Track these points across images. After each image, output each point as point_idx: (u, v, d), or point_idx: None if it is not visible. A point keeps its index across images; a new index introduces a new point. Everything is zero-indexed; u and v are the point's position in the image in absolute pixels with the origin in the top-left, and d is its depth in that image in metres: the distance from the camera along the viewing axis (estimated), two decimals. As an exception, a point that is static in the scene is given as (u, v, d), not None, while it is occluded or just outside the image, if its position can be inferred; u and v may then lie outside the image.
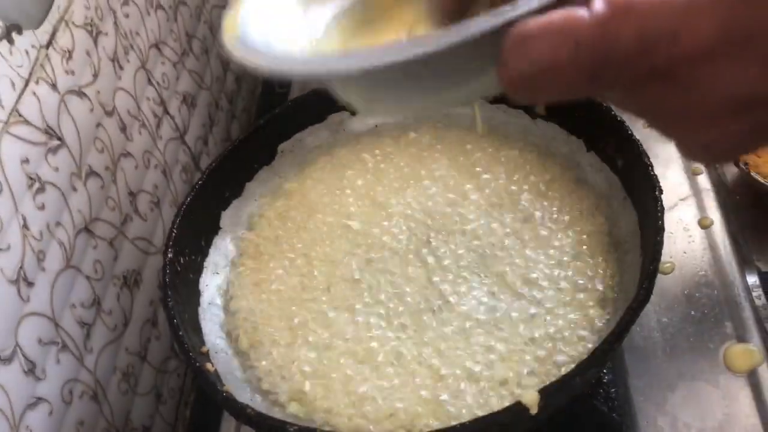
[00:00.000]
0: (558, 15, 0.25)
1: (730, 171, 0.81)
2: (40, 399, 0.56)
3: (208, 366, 0.51)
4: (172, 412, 0.78)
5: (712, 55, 0.24)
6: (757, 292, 0.61)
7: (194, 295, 0.58)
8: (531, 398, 0.42)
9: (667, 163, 0.70)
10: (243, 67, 0.34)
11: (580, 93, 0.27)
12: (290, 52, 0.36)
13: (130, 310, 0.71)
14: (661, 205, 0.49)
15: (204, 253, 0.61)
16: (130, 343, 0.71)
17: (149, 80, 0.81)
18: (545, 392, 0.42)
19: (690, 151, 0.29)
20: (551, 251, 0.56)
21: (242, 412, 0.45)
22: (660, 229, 0.48)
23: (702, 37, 0.23)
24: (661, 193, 0.50)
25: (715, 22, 0.23)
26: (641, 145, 0.53)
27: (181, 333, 0.50)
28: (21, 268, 0.56)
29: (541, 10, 0.26)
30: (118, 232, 0.70)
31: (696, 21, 0.23)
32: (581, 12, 0.25)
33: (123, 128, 0.74)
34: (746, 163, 0.76)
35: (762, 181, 0.75)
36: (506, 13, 0.26)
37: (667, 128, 0.28)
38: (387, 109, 0.47)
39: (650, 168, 0.51)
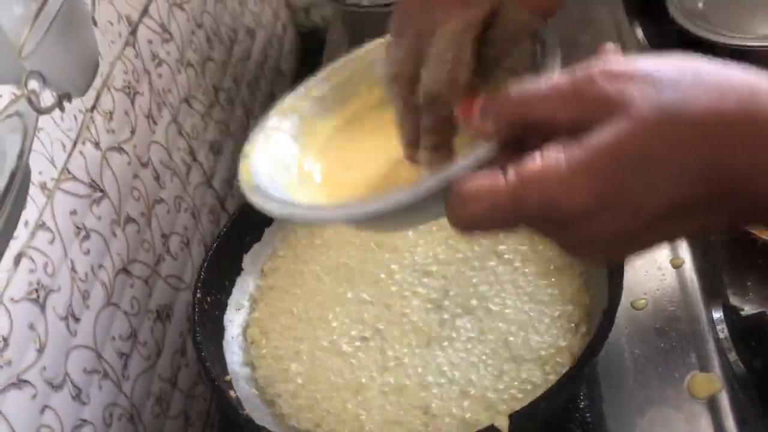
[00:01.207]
0: (484, 183, 0.35)
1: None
2: (84, 421, 0.65)
3: (231, 393, 0.59)
4: (199, 435, 0.86)
5: (587, 214, 0.33)
6: (721, 326, 0.67)
7: (219, 329, 0.66)
8: (502, 422, 0.49)
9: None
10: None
11: (512, 229, 0.38)
12: (293, 197, 0.47)
13: (162, 341, 0.79)
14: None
15: (228, 293, 0.69)
16: (162, 370, 0.79)
17: (180, 132, 0.90)
18: (514, 417, 0.49)
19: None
20: (524, 286, 0.64)
21: (259, 433, 0.53)
22: (620, 274, 0.55)
23: (578, 204, 0.33)
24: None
25: (587, 192, 0.33)
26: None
27: (207, 364, 0.58)
28: (70, 305, 0.64)
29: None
30: (152, 271, 0.79)
31: (572, 193, 0.33)
32: (500, 180, 0.34)
33: (157, 177, 0.82)
34: (722, 205, 0.83)
35: (735, 221, 0.81)
36: (447, 174, 0.37)
37: (573, 251, 0.38)
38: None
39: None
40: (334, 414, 0.58)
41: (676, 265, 0.72)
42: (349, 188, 0.49)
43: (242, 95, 1.11)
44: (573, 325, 0.60)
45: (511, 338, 0.60)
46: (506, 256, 0.66)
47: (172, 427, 0.80)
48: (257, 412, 0.59)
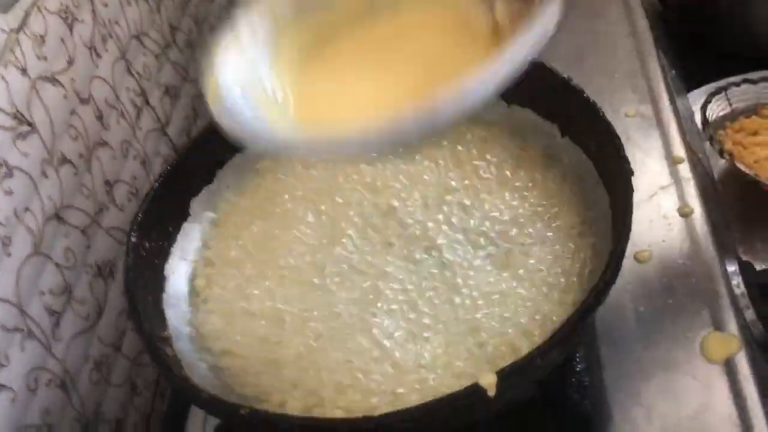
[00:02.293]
0: None
1: (717, 163, 0.80)
2: (2, 386, 0.55)
3: (168, 350, 0.50)
4: (147, 404, 0.77)
5: None
6: (736, 281, 0.59)
7: (159, 279, 0.57)
8: (488, 380, 0.40)
9: (648, 152, 0.69)
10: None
11: None
12: (266, 118, 0.41)
13: (103, 300, 0.70)
14: (631, 187, 0.48)
15: (171, 240, 0.60)
16: (103, 333, 0.70)
17: (128, 70, 0.80)
18: (502, 374, 0.41)
19: None
20: (524, 238, 0.55)
21: (196, 396, 0.44)
22: (628, 208, 0.47)
23: None
24: (632, 174, 0.49)
25: None
26: (611, 125, 0.52)
27: (139, 316, 0.49)
28: (-16, 252, 0.55)
29: None
30: (92, 221, 0.69)
31: None
32: None
33: (99, 117, 0.73)
34: (731, 153, 0.75)
35: (746, 170, 0.73)
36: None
37: None
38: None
39: (620, 149, 0.50)
40: (287, 378, 0.49)
41: (685, 213, 0.63)
42: (329, 109, 0.42)
43: (204, 38, 1.01)
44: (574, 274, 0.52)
45: (497, 291, 0.52)
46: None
47: (114, 395, 0.71)
48: (199, 374, 0.50)
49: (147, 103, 0.84)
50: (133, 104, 0.80)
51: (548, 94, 0.58)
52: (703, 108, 0.80)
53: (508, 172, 0.60)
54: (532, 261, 0.53)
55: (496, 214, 0.56)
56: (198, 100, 0.97)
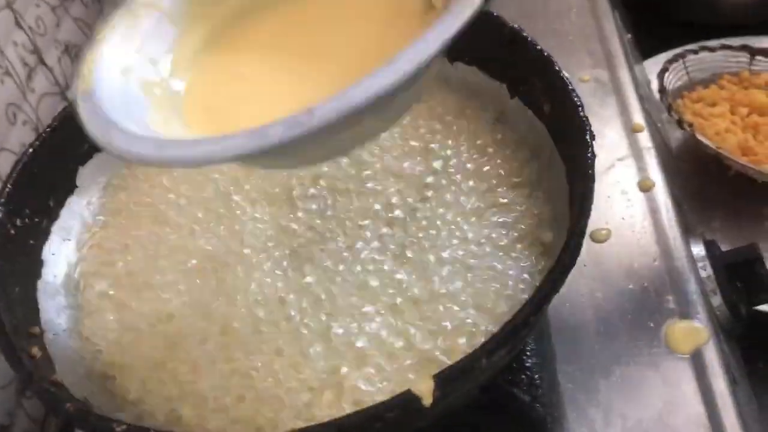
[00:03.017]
0: None
1: (674, 135, 0.74)
2: None
3: (34, 350, 0.40)
4: (39, 407, 0.67)
5: None
6: (702, 263, 0.53)
7: (34, 264, 0.47)
8: (424, 386, 0.33)
9: (606, 121, 0.62)
10: None
11: None
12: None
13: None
14: (592, 153, 0.41)
15: (52, 216, 0.50)
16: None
17: (17, 23, 0.70)
18: (442, 378, 0.33)
19: None
20: (469, 216, 0.48)
21: (58, 407, 0.35)
22: (588, 178, 0.39)
23: None
24: (593, 139, 0.42)
25: None
26: (570, 82, 0.44)
27: (-2, 307, 0.39)
28: None
29: None
30: (-32, 195, 0.59)
31: None
32: None
33: (-23, 74, 0.62)
34: (691, 125, 0.69)
35: (708, 143, 0.68)
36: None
37: None
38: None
39: (579, 108, 0.43)
40: (180, 386, 0.41)
41: (646, 187, 0.57)
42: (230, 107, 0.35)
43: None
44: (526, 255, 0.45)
45: (436, 277, 0.44)
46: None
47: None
48: (77, 380, 0.41)
49: (42, 62, 0.73)
50: (23, 62, 0.70)
51: (495, 48, 0.51)
52: (660, 76, 0.73)
53: (450, 141, 0.52)
54: (475, 245, 0.45)
55: (434, 193, 0.49)
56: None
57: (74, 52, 0.79)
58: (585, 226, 0.38)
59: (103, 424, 0.34)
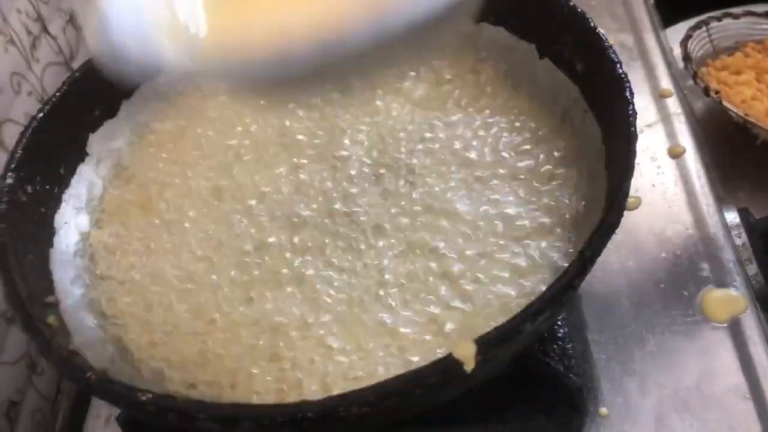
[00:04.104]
0: None
1: (696, 105, 0.72)
2: None
3: (51, 319, 0.39)
4: (51, 385, 0.66)
5: None
6: (737, 231, 0.51)
7: (46, 232, 0.45)
8: (465, 351, 0.31)
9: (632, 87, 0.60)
10: None
11: None
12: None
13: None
14: (633, 110, 0.39)
15: (64, 184, 0.48)
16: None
17: (21, -11, 0.67)
18: (484, 343, 0.31)
19: None
20: (497, 181, 0.46)
21: (80, 377, 0.33)
22: (631, 137, 0.37)
23: None
24: (632, 96, 0.40)
25: None
26: (606, 39, 0.42)
27: (12, 275, 0.37)
28: None
29: None
30: (-27, 166, 0.57)
31: None
32: None
33: (-20, 41, 0.60)
34: (717, 92, 0.67)
35: (735, 110, 0.66)
36: None
37: None
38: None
39: (618, 65, 0.41)
40: (199, 354, 0.39)
41: (676, 154, 0.55)
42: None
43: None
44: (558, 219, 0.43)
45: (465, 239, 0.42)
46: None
47: (6, 375, 0.59)
48: (94, 349, 0.39)
49: (45, 31, 0.71)
50: (27, 30, 0.68)
51: (523, 7, 0.49)
52: (683, 43, 0.71)
53: (475, 104, 0.50)
54: (511, 208, 0.44)
55: (470, 155, 0.47)
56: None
57: (80, 23, 0.77)
58: (629, 183, 0.36)
59: (128, 392, 0.32)
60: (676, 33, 0.76)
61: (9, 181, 0.43)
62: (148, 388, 0.35)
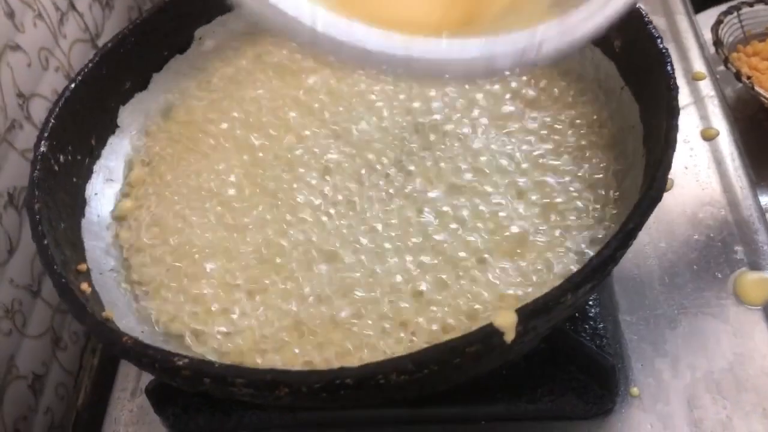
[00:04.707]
0: None
1: (726, 90, 0.71)
2: None
3: (84, 286, 0.39)
4: (74, 359, 0.66)
5: None
6: (772, 213, 0.50)
7: (77, 202, 0.45)
8: (506, 320, 0.31)
9: (664, 68, 0.60)
10: None
11: None
12: None
13: (17, 235, 0.58)
14: (675, 84, 0.38)
15: (95, 155, 0.48)
16: (16, 274, 0.58)
17: (49, -36, 0.67)
18: (525, 313, 0.31)
19: None
20: (536, 157, 0.45)
21: (116, 341, 0.33)
22: (673, 111, 0.37)
23: None
24: (673, 71, 0.39)
25: None
26: (647, 14, 0.42)
27: (45, 242, 0.37)
28: None
29: None
30: (2, 139, 0.57)
31: None
32: None
33: (10, 14, 0.60)
34: (749, 77, 0.66)
35: (766, 96, 0.65)
36: None
37: None
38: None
39: (658, 40, 0.40)
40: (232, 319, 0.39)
41: (709, 136, 0.54)
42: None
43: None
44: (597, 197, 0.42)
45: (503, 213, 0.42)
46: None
47: (31, 348, 0.59)
48: (126, 317, 0.39)
49: (73, 7, 0.71)
50: (55, 7, 0.68)
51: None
52: (714, 28, 0.70)
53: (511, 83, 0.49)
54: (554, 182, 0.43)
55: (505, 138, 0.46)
56: (135, 13, 0.84)
57: (105, 1, 0.77)
58: (671, 157, 0.36)
59: (163, 356, 0.32)
60: (707, 18, 0.75)
61: (42, 149, 0.43)
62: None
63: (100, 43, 0.75)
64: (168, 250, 0.44)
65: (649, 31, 0.41)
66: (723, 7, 0.75)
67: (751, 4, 0.74)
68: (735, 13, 0.73)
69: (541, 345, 0.42)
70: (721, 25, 0.71)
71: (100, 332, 0.34)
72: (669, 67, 0.39)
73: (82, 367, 0.67)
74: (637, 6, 0.43)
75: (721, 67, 0.68)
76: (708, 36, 0.71)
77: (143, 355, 0.33)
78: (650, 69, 0.40)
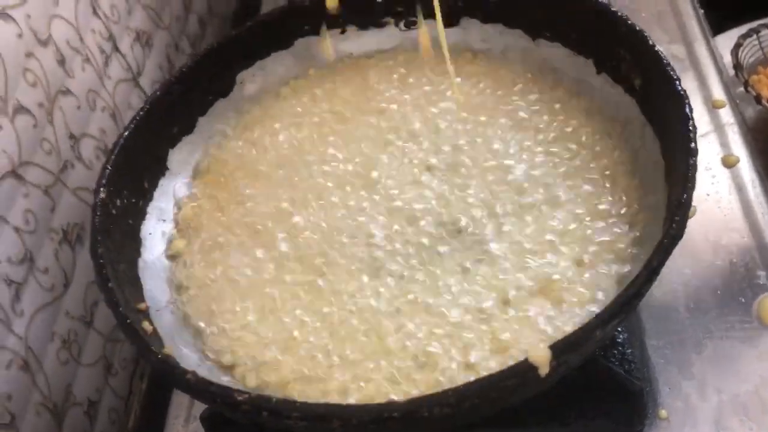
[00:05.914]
0: None
1: (749, 111, 0.73)
2: (-48, 369, 0.48)
3: (145, 324, 0.42)
4: (124, 385, 0.70)
5: None
6: (793, 238, 0.52)
7: (134, 243, 0.49)
8: (540, 356, 0.33)
9: (684, 96, 0.62)
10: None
11: None
12: None
13: (71, 269, 0.62)
14: (693, 125, 0.41)
15: (148, 197, 0.51)
16: (71, 306, 0.62)
17: (94, 11, 0.71)
18: (558, 348, 0.33)
19: None
20: (559, 195, 0.48)
21: (180, 378, 0.36)
22: (692, 152, 0.39)
23: None
24: (692, 111, 0.41)
25: None
26: (665, 56, 0.44)
27: (110, 285, 0.41)
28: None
29: None
30: (56, 179, 0.61)
31: None
32: None
33: (61, 61, 0.64)
34: (769, 100, 0.68)
35: (787, 118, 0.67)
36: None
37: None
38: None
39: (677, 82, 0.42)
40: (285, 358, 0.42)
41: (730, 163, 0.56)
42: None
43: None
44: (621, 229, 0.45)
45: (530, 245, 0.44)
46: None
47: (86, 376, 0.63)
48: (185, 353, 0.42)
49: (116, 49, 0.75)
50: (101, 50, 0.71)
51: (580, 24, 0.51)
52: (734, 51, 0.72)
53: (536, 117, 0.52)
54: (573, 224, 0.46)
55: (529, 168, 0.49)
56: (172, 50, 0.88)
57: (144, 39, 0.81)
58: (690, 197, 0.38)
59: (225, 392, 0.35)
60: (726, 40, 0.77)
61: (102, 195, 0.46)
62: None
63: (142, 81, 0.79)
64: (223, 287, 0.47)
65: (668, 73, 0.43)
66: (742, 29, 0.77)
67: (769, 27, 0.76)
68: (754, 36, 0.75)
69: (574, 371, 0.45)
70: (741, 48, 0.73)
71: (165, 370, 0.37)
72: (687, 109, 0.41)
73: (132, 392, 0.71)
74: (656, 48, 0.45)
75: (742, 89, 0.70)
76: (727, 58, 0.73)
77: (206, 391, 0.36)
78: (670, 109, 0.43)
